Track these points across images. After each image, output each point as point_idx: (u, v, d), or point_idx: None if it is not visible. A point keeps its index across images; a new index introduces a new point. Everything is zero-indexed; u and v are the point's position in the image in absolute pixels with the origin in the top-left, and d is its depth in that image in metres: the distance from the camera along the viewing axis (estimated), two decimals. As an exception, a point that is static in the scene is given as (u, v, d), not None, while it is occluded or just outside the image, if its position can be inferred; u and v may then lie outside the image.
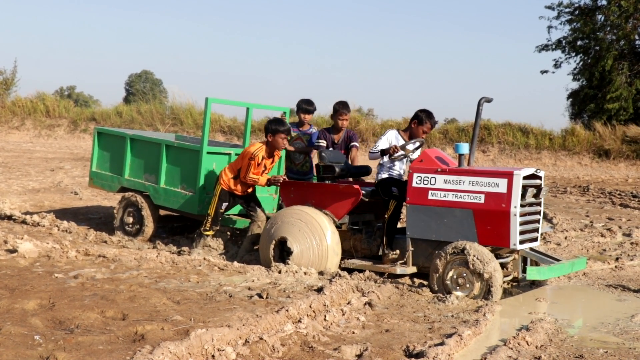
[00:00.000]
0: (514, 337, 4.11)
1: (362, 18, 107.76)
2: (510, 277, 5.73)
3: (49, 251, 6.02)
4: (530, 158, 19.18)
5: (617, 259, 6.99)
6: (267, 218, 7.13)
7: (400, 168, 6.26)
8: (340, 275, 5.60)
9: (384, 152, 6.07)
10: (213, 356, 3.52)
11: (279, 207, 7.46)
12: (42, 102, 24.97)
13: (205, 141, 7.04)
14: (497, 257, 5.50)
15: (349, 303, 4.79)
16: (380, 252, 5.96)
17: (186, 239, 7.48)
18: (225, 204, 6.65)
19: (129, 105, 26.41)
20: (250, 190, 6.77)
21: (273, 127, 6.50)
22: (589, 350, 4.09)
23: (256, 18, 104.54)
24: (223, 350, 3.56)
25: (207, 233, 6.69)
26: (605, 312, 5.09)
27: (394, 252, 5.80)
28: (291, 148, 7.39)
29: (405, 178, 6.22)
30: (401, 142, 6.23)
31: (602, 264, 6.76)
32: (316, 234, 5.88)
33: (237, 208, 7.13)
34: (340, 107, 7.21)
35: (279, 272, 5.66)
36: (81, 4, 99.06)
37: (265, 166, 6.59)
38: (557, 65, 22.97)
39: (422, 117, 6.20)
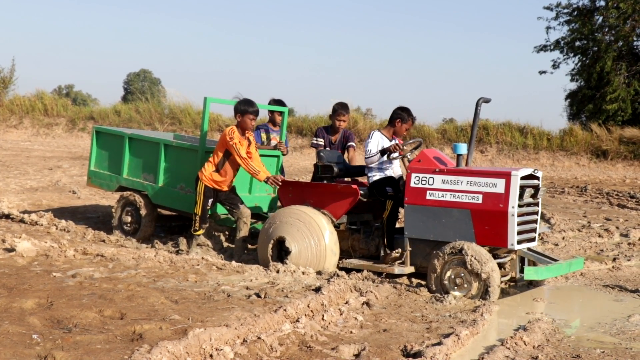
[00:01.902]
0: (512, 337, 4.12)
1: (361, 18, 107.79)
2: (507, 277, 5.75)
3: (47, 250, 6.02)
4: (528, 158, 19.19)
5: (614, 260, 7.01)
6: (266, 215, 7.10)
7: (390, 168, 6.26)
8: (338, 275, 5.61)
9: (383, 152, 6.06)
10: (211, 355, 3.53)
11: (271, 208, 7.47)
12: (40, 100, 24.91)
13: (203, 140, 7.05)
14: (495, 257, 5.51)
15: (346, 303, 4.80)
16: (382, 253, 5.96)
17: (184, 238, 7.48)
18: (210, 200, 6.61)
19: (127, 104, 26.36)
20: (230, 184, 6.70)
21: (242, 107, 6.48)
22: (585, 350, 4.11)
23: (255, 18, 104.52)
24: (221, 349, 3.57)
25: (198, 233, 6.65)
26: (602, 312, 5.10)
27: (396, 251, 5.79)
28: (284, 150, 7.39)
29: (397, 177, 6.23)
30: (385, 141, 6.23)
31: (600, 264, 6.78)
32: (314, 233, 5.88)
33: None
34: (339, 108, 7.23)
35: (277, 271, 5.67)
36: (80, 2, 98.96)
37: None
38: (555, 65, 22.98)
39: (405, 116, 6.24)
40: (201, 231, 6.68)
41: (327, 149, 7.21)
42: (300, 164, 16.90)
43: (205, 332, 3.65)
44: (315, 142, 7.28)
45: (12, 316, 4.10)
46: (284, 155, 7.45)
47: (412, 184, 5.64)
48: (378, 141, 6.17)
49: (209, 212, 6.75)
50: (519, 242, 5.36)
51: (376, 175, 6.16)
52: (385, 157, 6.15)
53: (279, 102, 7.61)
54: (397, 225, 6.30)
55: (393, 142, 6.21)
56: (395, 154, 6.09)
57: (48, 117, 24.60)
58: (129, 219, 7.54)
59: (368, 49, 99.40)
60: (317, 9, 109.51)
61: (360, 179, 7.15)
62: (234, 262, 6.04)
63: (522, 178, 5.35)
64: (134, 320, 4.13)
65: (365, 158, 6.15)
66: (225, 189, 6.66)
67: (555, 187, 14.53)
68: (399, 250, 5.79)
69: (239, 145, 6.39)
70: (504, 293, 5.54)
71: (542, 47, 22.78)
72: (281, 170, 7.63)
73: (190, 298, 4.77)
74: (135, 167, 7.70)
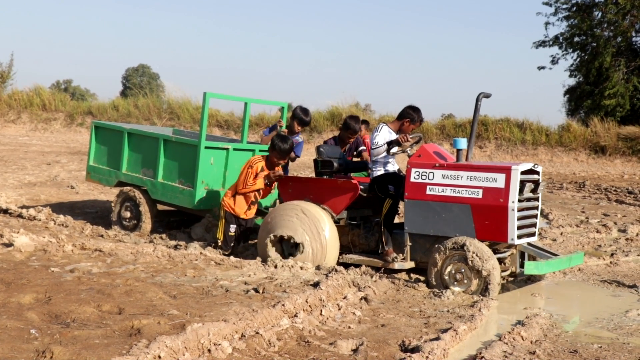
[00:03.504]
0: (509, 332, 4.13)
1: (361, 13, 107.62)
2: (508, 272, 5.75)
3: (45, 245, 6.01)
4: (527, 154, 19.21)
5: (612, 255, 7.01)
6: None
7: (394, 163, 6.25)
8: (336, 270, 5.60)
9: (390, 144, 5.99)
10: (209, 350, 3.53)
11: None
12: (38, 95, 24.85)
13: (203, 136, 7.03)
14: (495, 252, 5.51)
15: (345, 298, 4.80)
16: (380, 249, 5.96)
17: (183, 234, 7.48)
18: (234, 227, 6.53)
19: (125, 99, 26.31)
20: (251, 213, 6.68)
21: (275, 142, 6.43)
22: (583, 345, 4.11)
23: (254, 13, 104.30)
24: (219, 344, 3.57)
25: None
26: (599, 308, 5.11)
27: (399, 255, 5.80)
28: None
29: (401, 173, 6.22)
30: (393, 135, 6.20)
31: (597, 259, 6.78)
32: (314, 229, 5.88)
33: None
34: (354, 124, 6.98)
35: (275, 266, 5.67)
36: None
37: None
38: (554, 61, 22.97)
39: (415, 117, 6.15)
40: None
41: (327, 144, 7.17)
42: (299, 159, 16.88)
43: (203, 327, 3.64)
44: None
45: (10, 311, 4.10)
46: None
47: (412, 179, 5.63)
48: (385, 134, 6.11)
49: (232, 239, 6.61)
50: (519, 237, 5.36)
51: (380, 170, 6.12)
52: (385, 152, 6.12)
53: (306, 113, 7.36)
54: (397, 220, 6.29)
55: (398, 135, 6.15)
56: (396, 149, 6.05)
57: (46, 112, 24.56)
58: (128, 214, 7.53)
59: (367, 44, 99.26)
60: (316, 5, 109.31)
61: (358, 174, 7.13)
62: (232, 258, 6.04)
63: (522, 173, 5.35)
64: (132, 315, 4.13)
65: (372, 149, 6.09)
66: (244, 217, 6.61)
67: (553, 182, 14.53)
68: (402, 255, 5.78)
69: (249, 176, 6.35)
70: (502, 288, 5.54)
71: (541, 43, 22.77)
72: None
73: (188, 293, 4.77)
74: (134, 162, 7.69)
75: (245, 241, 6.82)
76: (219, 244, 6.56)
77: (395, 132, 6.21)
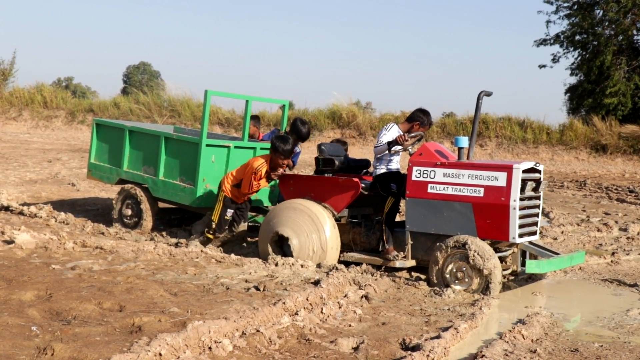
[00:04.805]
0: (510, 331, 4.13)
1: (362, 11, 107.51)
2: (509, 271, 5.75)
3: (46, 242, 6.01)
4: (528, 152, 19.18)
5: (613, 254, 7.01)
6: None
7: (397, 162, 6.26)
8: (337, 269, 5.60)
9: (390, 144, 6.00)
10: (210, 348, 3.53)
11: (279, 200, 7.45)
12: (39, 92, 24.84)
13: (204, 134, 7.03)
14: (496, 250, 5.51)
15: (345, 296, 4.80)
16: (381, 248, 5.96)
17: (184, 231, 7.48)
18: (230, 211, 6.57)
19: (126, 96, 26.29)
20: (247, 197, 6.74)
21: (276, 144, 6.43)
22: (584, 344, 4.11)
23: (255, 10, 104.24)
24: (220, 342, 3.57)
25: (209, 236, 6.66)
26: (601, 307, 5.11)
27: (400, 253, 5.81)
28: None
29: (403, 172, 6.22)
30: None
31: (599, 258, 6.78)
32: (315, 227, 5.88)
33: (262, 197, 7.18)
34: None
35: (276, 264, 5.67)
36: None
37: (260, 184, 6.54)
38: (555, 59, 22.92)
39: (425, 120, 6.18)
40: (212, 237, 6.64)
41: (329, 143, 7.17)
42: (299, 156, 16.88)
43: (204, 325, 3.65)
44: None
45: (11, 308, 4.10)
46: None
47: (413, 178, 5.63)
48: (394, 134, 6.10)
49: (228, 224, 6.68)
50: (521, 236, 5.36)
51: (382, 169, 6.13)
52: (387, 150, 6.11)
53: (304, 124, 7.34)
54: (398, 219, 6.29)
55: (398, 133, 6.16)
56: (399, 147, 6.05)
57: (47, 110, 24.56)
58: (129, 212, 7.53)
59: (368, 42, 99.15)
60: (317, 2, 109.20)
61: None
62: (233, 255, 6.04)
63: (524, 171, 5.35)
64: (133, 312, 4.13)
65: (374, 147, 6.12)
66: (243, 200, 6.68)
67: (554, 181, 14.52)
68: (402, 253, 5.80)
69: (254, 181, 6.39)
70: (503, 287, 5.54)
71: (542, 41, 22.73)
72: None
73: (189, 291, 4.77)
74: (135, 160, 7.68)
75: (245, 221, 6.83)
76: (213, 226, 6.59)
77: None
